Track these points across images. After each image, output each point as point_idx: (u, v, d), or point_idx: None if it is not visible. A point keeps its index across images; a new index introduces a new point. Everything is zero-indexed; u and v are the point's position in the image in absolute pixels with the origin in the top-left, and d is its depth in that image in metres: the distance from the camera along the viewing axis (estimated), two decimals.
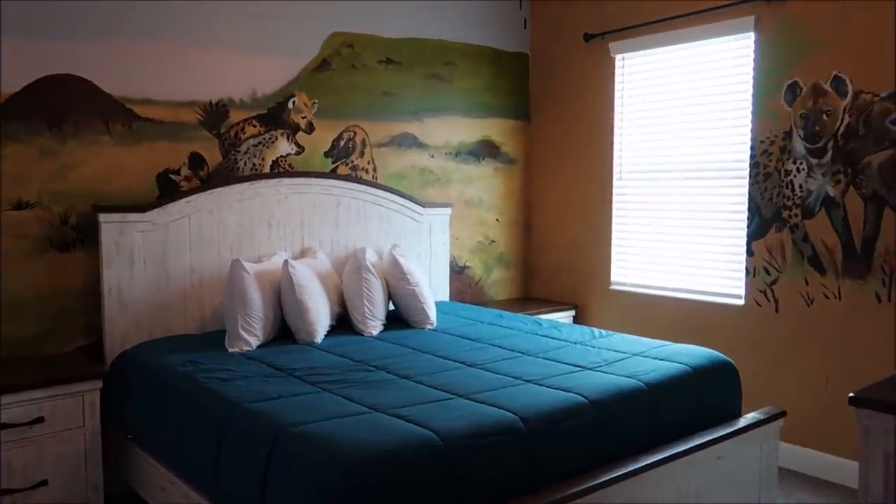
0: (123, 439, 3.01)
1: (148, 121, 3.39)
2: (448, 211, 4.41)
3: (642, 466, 2.31)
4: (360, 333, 3.43)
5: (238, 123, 3.67)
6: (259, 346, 3.14)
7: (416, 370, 2.74)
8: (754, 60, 3.70)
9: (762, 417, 2.79)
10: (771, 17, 3.63)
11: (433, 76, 4.42)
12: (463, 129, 4.59)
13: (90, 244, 3.22)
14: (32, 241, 3.11)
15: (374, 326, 3.47)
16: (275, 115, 3.79)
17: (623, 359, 2.89)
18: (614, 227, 4.46)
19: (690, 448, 2.48)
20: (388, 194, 4.10)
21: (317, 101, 3.93)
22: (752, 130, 3.73)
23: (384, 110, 4.22)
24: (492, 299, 4.80)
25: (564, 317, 4.55)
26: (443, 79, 4.47)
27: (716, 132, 3.94)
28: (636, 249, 4.37)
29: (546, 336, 3.35)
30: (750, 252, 3.76)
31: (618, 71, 4.38)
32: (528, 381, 2.59)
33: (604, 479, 2.20)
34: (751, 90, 3.73)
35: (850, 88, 3.36)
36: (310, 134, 3.92)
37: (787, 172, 3.61)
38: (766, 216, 3.70)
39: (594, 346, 3.12)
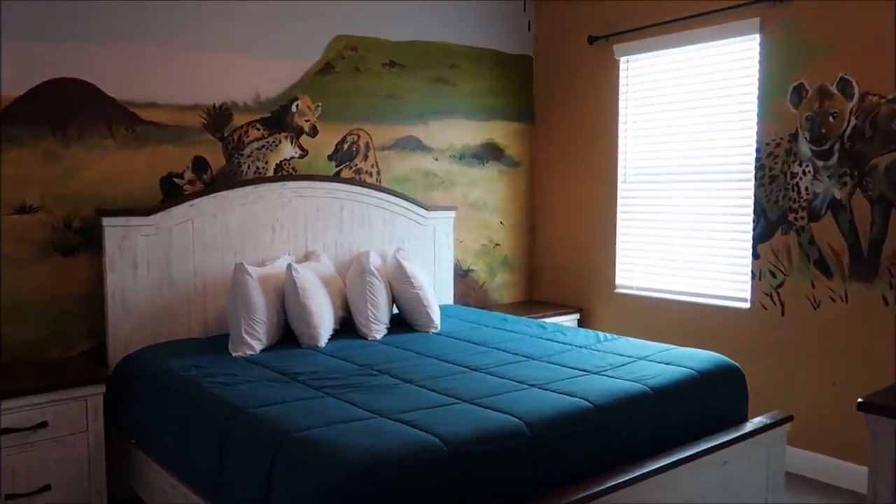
0: (127, 444, 3.00)
1: (151, 124, 3.39)
2: (452, 214, 4.40)
3: (648, 472, 2.29)
4: (363, 337, 3.42)
5: (242, 127, 3.67)
6: (262, 350, 3.13)
7: (419, 374, 2.72)
8: (759, 62, 3.69)
9: (769, 422, 2.77)
10: (776, 18, 3.61)
11: (437, 79, 4.41)
12: (467, 132, 4.58)
13: (93, 248, 3.22)
14: (36, 245, 3.11)
15: (378, 330, 3.46)
16: (278, 119, 3.79)
17: (628, 363, 2.87)
18: (619, 229, 4.44)
19: (696, 453, 2.46)
20: (391, 197, 4.09)
21: (320, 104, 3.93)
22: (757, 133, 3.71)
23: (388, 113, 4.21)
24: (496, 303, 4.78)
25: (569, 320, 4.53)
26: (447, 82, 4.46)
27: (721, 134, 3.92)
28: (641, 252, 4.35)
29: (550, 340, 3.34)
30: (756, 255, 3.74)
31: (622, 73, 4.36)
32: (532, 385, 2.58)
33: (609, 484, 2.18)
34: (756, 92, 3.71)
35: (856, 90, 3.34)
36: (313, 137, 3.92)
37: (793, 175, 3.58)
38: (771, 219, 3.68)
39: (599, 350, 3.10)
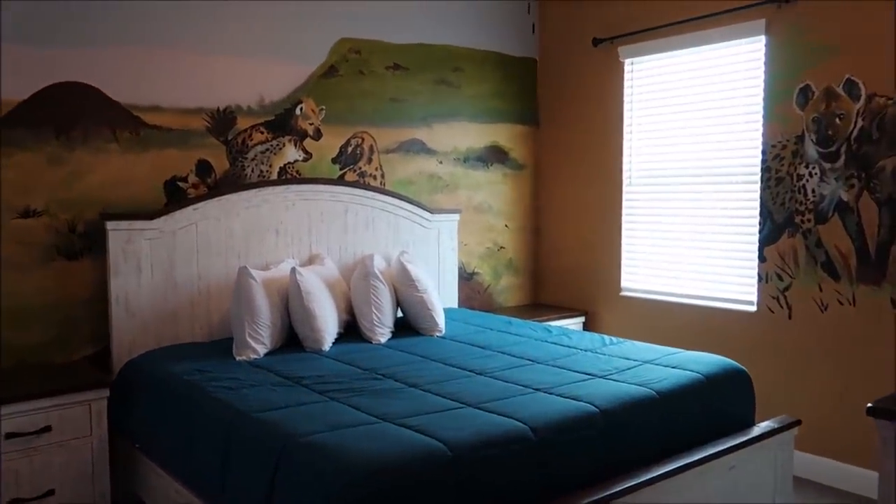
0: (130, 448, 2.99)
1: (155, 128, 3.39)
2: (456, 217, 4.39)
3: (654, 476, 2.28)
4: (368, 341, 3.41)
5: (245, 130, 3.66)
6: (266, 354, 3.12)
7: (424, 379, 2.71)
8: (765, 64, 3.67)
9: (776, 426, 2.75)
10: (782, 20, 3.59)
11: (441, 82, 4.41)
12: (471, 135, 4.57)
13: (97, 252, 3.22)
14: (40, 249, 3.10)
15: (383, 334, 3.45)
16: (282, 122, 3.78)
17: (634, 367, 2.85)
18: (624, 232, 4.42)
19: (703, 458, 2.44)
20: (396, 200, 4.08)
21: (324, 107, 3.92)
22: (763, 135, 3.69)
23: (392, 116, 4.20)
24: (501, 306, 4.77)
25: (574, 323, 4.51)
26: (451, 84, 4.45)
27: (726, 137, 3.90)
28: (646, 255, 4.33)
29: (556, 343, 3.32)
30: (762, 258, 3.72)
31: (627, 75, 4.35)
32: (537, 389, 2.56)
33: (615, 489, 2.16)
34: (762, 94, 3.69)
35: (863, 92, 3.32)
36: (317, 140, 3.91)
37: (800, 177, 3.56)
38: (778, 221, 3.65)
39: (605, 354, 3.09)
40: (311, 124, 3.88)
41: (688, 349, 3.17)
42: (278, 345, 3.23)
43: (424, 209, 4.20)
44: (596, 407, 2.37)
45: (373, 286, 3.48)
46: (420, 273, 3.68)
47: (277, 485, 2.05)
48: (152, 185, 3.39)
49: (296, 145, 3.84)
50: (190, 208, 3.36)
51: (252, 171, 3.69)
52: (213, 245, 3.43)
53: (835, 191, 3.44)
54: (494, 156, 4.70)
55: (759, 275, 3.74)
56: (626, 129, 4.37)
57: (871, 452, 3.21)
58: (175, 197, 3.44)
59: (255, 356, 3.08)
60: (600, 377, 2.71)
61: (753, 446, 2.62)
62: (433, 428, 2.13)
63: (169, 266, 3.30)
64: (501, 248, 4.79)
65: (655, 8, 4.11)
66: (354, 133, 4.06)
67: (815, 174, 3.51)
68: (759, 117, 3.71)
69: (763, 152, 3.69)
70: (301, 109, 3.84)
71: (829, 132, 3.44)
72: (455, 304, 4.38)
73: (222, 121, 3.59)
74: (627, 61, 4.33)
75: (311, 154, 3.90)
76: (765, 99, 3.67)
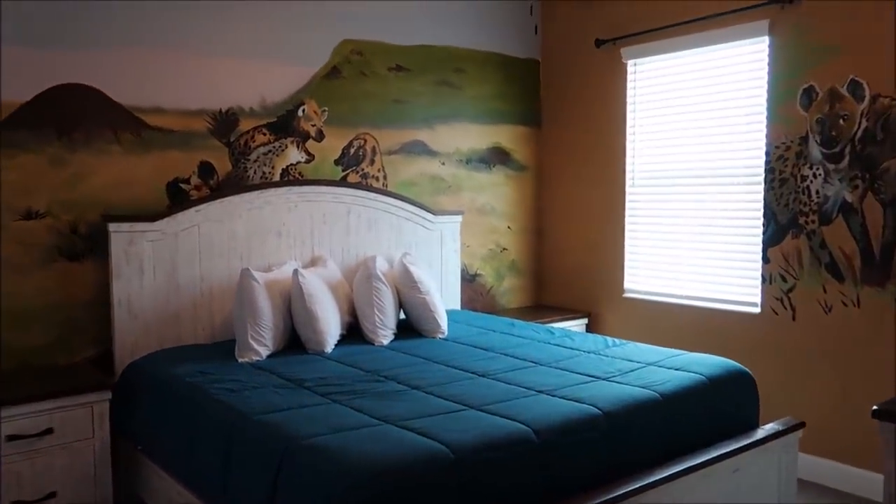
0: (133, 450, 2.99)
1: (157, 130, 3.38)
2: (459, 218, 4.38)
3: (657, 479, 2.27)
4: (370, 343, 3.40)
5: (248, 132, 3.66)
6: (269, 356, 3.12)
7: (426, 381, 2.70)
8: (769, 65, 3.66)
9: (780, 428, 2.74)
10: (785, 20, 3.58)
11: (443, 83, 4.40)
12: (474, 136, 4.57)
13: (100, 254, 3.21)
14: (42, 250, 3.10)
15: (385, 336, 3.44)
16: (285, 124, 3.78)
17: (637, 368, 2.84)
18: (627, 233, 4.41)
19: (707, 460, 2.43)
20: (398, 202, 4.07)
21: (327, 108, 3.92)
22: (766, 136, 3.68)
23: (394, 118, 4.20)
24: (504, 307, 4.76)
25: (577, 325, 4.50)
26: (453, 86, 4.44)
27: (730, 137, 3.89)
28: (650, 256, 4.32)
29: (559, 345, 3.31)
30: (766, 259, 3.70)
31: (630, 76, 4.34)
32: (540, 391, 2.55)
33: (618, 492, 2.15)
34: (765, 95, 3.68)
35: (867, 92, 3.30)
36: (320, 142, 3.91)
37: (804, 178, 3.55)
38: (781, 222, 3.64)
39: (608, 356, 3.07)
40: (313, 126, 3.88)
41: (691, 351, 3.16)
42: (280, 347, 3.22)
43: (427, 211, 4.19)
44: (599, 409, 2.36)
45: (375, 288, 3.47)
46: (423, 275, 3.68)
47: (279, 487, 2.04)
48: (154, 187, 3.39)
49: (298, 147, 3.84)
50: (192, 210, 3.36)
51: (254, 172, 3.69)
52: (215, 247, 3.43)
53: (839, 192, 3.43)
54: (497, 157, 4.70)
55: (762, 276, 3.73)
56: (628, 130, 4.36)
57: (875, 454, 3.19)
58: (177, 199, 3.44)
59: (258, 358, 3.07)
60: (603, 379, 2.70)
61: (757, 449, 2.61)
62: (436, 430, 2.12)
63: (171, 268, 3.30)
64: (504, 249, 4.78)
65: (658, 9, 4.10)
66: (357, 134, 4.05)
67: (819, 175, 3.49)
68: (763, 118, 3.69)
69: (767, 153, 3.68)
70: (303, 111, 3.84)
71: (833, 133, 3.42)
72: (458, 306, 4.37)
73: (224, 122, 3.58)
74: (630, 62, 4.32)
75: (314, 156, 3.89)
76: (768, 100, 3.66)
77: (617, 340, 3.37)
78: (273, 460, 2.08)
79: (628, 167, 4.38)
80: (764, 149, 3.69)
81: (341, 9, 3.93)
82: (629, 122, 4.36)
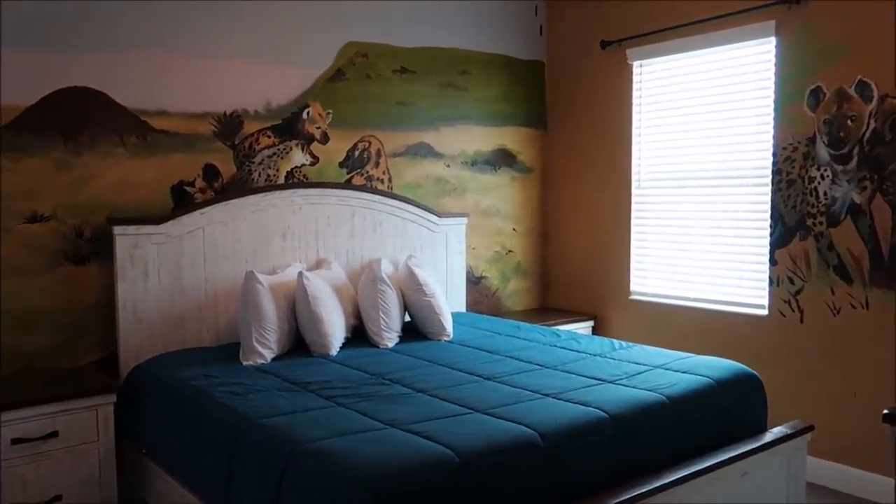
0: (137, 453, 2.98)
1: (162, 133, 3.38)
2: (464, 221, 4.37)
3: (665, 483, 2.24)
4: (375, 345, 3.39)
5: (252, 134, 3.66)
6: (273, 359, 3.11)
7: (432, 384, 2.69)
8: (775, 65, 3.63)
9: (789, 432, 2.71)
10: (792, 21, 3.56)
11: (448, 85, 4.39)
12: (479, 138, 4.55)
13: (105, 257, 3.21)
14: (47, 254, 3.10)
15: (390, 338, 3.43)
16: (289, 126, 3.77)
17: (644, 371, 2.82)
18: (633, 235, 4.39)
19: (715, 464, 2.41)
20: (403, 204, 4.06)
21: (331, 111, 3.91)
22: (773, 137, 3.66)
23: (399, 120, 4.19)
24: (509, 310, 4.74)
25: (583, 328, 4.48)
26: (458, 87, 4.43)
27: (736, 139, 3.86)
28: (656, 258, 4.30)
29: (564, 348, 3.29)
30: (773, 261, 3.68)
31: (635, 78, 4.32)
32: (546, 394, 2.54)
33: (625, 496, 2.13)
34: (772, 96, 3.65)
35: (875, 93, 3.28)
36: (324, 144, 3.90)
37: (811, 179, 3.52)
38: (789, 224, 3.61)
39: (614, 359, 3.06)
40: (318, 128, 3.87)
41: (698, 353, 3.14)
42: (285, 349, 3.21)
43: (432, 213, 4.18)
44: (605, 412, 2.34)
45: (380, 290, 3.46)
46: (428, 277, 3.67)
47: (283, 491, 2.03)
48: (159, 190, 3.39)
49: (303, 149, 3.83)
50: (197, 213, 3.35)
51: (259, 175, 3.69)
52: (220, 249, 3.42)
53: (847, 193, 3.40)
54: (502, 159, 4.68)
55: (770, 278, 3.70)
56: (634, 131, 4.34)
57: (885, 458, 3.17)
58: (182, 201, 3.44)
59: (262, 361, 3.07)
60: (610, 382, 2.69)
61: (766, 452, 2.59)
62: (441, 434, 2.11)
63: (176, 270, 3.30)
64: (509, 251, 4.76)
65: (664, 10, 4.09)
66: (361, 137, 4.05)
67: (827, 176, 3.47)
68: (770, 119, 3.67)
69: (774, 154, 3.66)
70: (308, 113, 3.83)
71: (841, 134, 3.40)
72: (463, 309, 4.35)
73: (229, 125, 3.58)
74: (636, 63, 4.30)
75: (318, 158, 3.89)
76: (775, 101, 3.64)
77: (623, 343, 3.35)
78: (277, 464, 2.07)
79: (634, 169, 4.36)
80: (771, 150, 3.67)
81: (346, 11, 3.92)
82: (635, 124, 4.34)
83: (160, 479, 2.80)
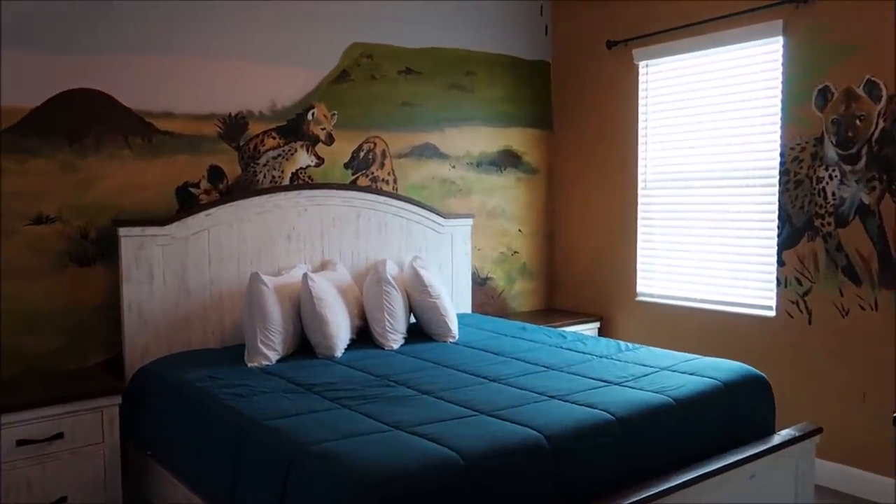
0: (143, 455, 2.98)
1: (167, 134, 3.38)
2: (470, 222, 4.35)
3: (672, 486, 2.23)
4: (380, 347, 3.38)
5: (257, 136, 3.65)
6: (278, 361, 3.10)
7: (437, 385, 2.68)
8: (783, 65, 3.61)
9: (797, 434, 2.69)
10: (799, 20, 3.53)
11: (453, 86, 4.38)
12: (484, 139, 4.54)
13: (110, 258, 3.21)
14: (52, 255, 3.10)
15: (395, 340, 3.42)
16: (294, 127, 3.77)
17: (651, 373, 2.81)
18: (640, 236, 4.37)
19: (723, 466, 2.39)
20: (408, 205, 4.05)
21: (336, 112, 3.91)
22: (781, 137, 3.63)
23: (404, 121, 4.18)
24: (515, 311, 4.73)
25: (589, 329, 4.46)
26: (463, 88, 4.43)
27: (744, 139, 3.84)
28: (662, 259, 4.28)
29: (571, 349, 3.28)
30: (781, 262, 3.65)
31: (642, 78, 4.30)
32: (552, 396, 2.52)
33: (632, 499, 2.12)
34: (780, 96, 3.63)
35: (884, 92, 3.25)
36: (329, 145, 3.90)
37: (819, 179, 3.50)
38: (797, 225, 3.59)
39: (620, 360, 3.04)
40: (323, 129, 3.87)
41: (705, 355, 3.11)
42: (290, 351, 3.21)
43: (437, 214, 4.17)
44: (612, 414, 2.32)
45: (385, 292, 3.45)
46: (433, 278, 3.65)
47: (288, 493, 2.02)
48: (164, 192, 3.39)
49: (308, 150, 3.83)
50: (202, 214, 3.35)
51: (264, 176, 3.68)
52: (224, 251, 3.42)
53: (855, 193, 3.38)
54: (508, 160, 4.67)
55: (777, 279, 3.68)
56: (640, 132, 4.32)
57: (894, 460, 3.14)
58: (187, 203, 3.44)
59: (267, 363, 3.06)
60: (616, 384, 2.67)
61: (774, 455, 2.56)
62: (446, 436, 2.10)
63: (181, 272, 3.30)
64: (515, 252, 4.75)
65: (670, 9, 4.07)
66: (367, 138, 4.04)
67: (836, 176, 3.44)
68: (777, 119, 3.65)
69: (781, 154, 3.63)
70: (313, 115, 3.83)
71: (850, 134, 3.37)
72: (468, 310, 4.34)
73: (234, 126, 3.58)
74: (642, 64, 4.28)
75: (324, 159, 3.88)
76: (783, 101, 3.62)
77: (630, 345, 3.34)
78: (282, 466, 2.07)
79: (640, 169, 4.34)
80: (778, 150, 3.65)
81: (351, 12, 3.92)
82: (641, 124, 4.32)
83: (165, 480, 2.80)
